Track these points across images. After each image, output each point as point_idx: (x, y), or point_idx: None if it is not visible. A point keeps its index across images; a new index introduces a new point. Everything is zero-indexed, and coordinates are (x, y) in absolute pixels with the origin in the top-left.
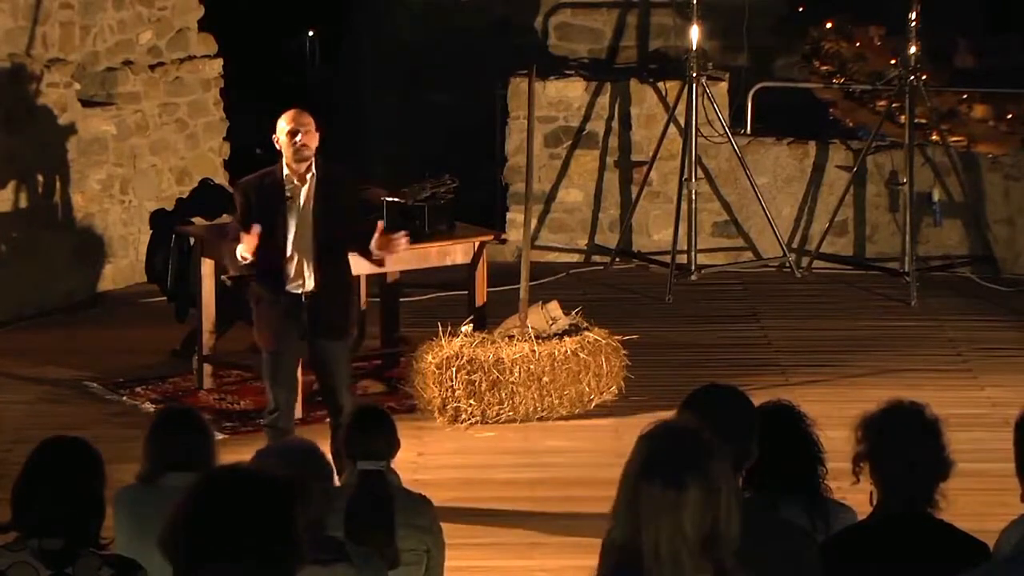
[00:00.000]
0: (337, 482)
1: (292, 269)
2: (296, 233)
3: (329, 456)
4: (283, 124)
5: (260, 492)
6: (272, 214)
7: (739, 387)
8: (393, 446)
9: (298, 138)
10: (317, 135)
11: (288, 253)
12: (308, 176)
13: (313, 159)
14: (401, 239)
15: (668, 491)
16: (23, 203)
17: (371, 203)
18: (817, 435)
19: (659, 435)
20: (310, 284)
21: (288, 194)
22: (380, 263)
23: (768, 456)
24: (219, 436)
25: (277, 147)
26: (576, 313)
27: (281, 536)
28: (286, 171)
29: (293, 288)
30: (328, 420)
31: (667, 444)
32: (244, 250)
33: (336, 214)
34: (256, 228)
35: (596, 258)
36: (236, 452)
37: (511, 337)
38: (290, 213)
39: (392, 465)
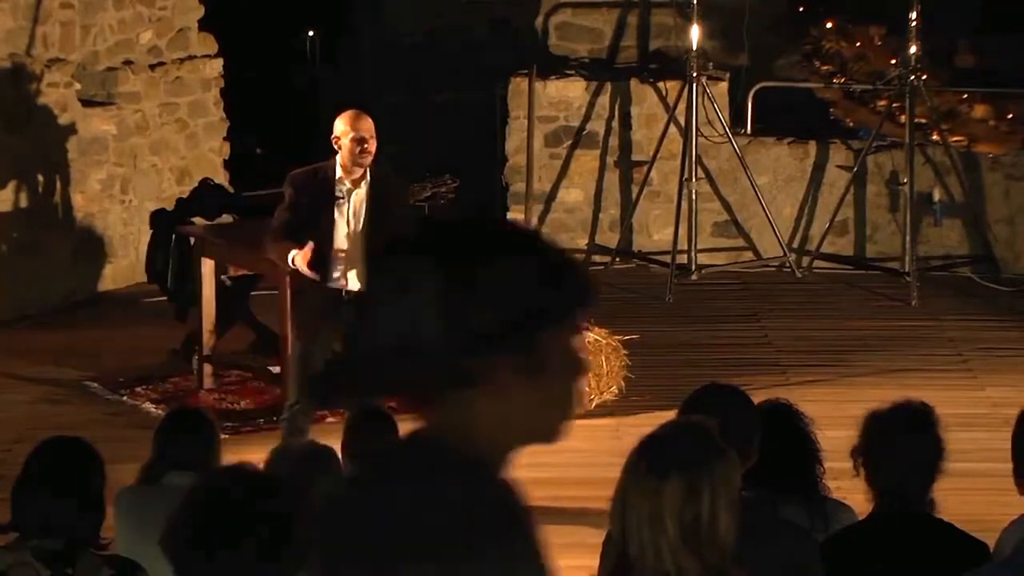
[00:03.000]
0: None
1: (337, 268)
2: (345, 234)
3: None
4: (346, 127)
5: (260, 492)
6: (320, 211)
7: (740, 387)
8: None
9: (366, 146)
10: (376, 139)
11: (333, 251)
12: (362, 182)
13: None
14: None
15: (649, 478)
16: (23, 203)
17: None
18: (815, 434)
19: (663, 428)
20: (353, 284)
21: (340, 195)
22: None
23: (767, 455)
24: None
25: (336, 146)
26: None
27: (281, 537)
28: (339, 172)
29: (335, 284)
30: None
31: (663, 436)
32: (299, 262)
33: (387, 218)
34: (311, 244)
35: (596, 258)
36: (236, 452)
37: None
38: (339, 214)
39: None
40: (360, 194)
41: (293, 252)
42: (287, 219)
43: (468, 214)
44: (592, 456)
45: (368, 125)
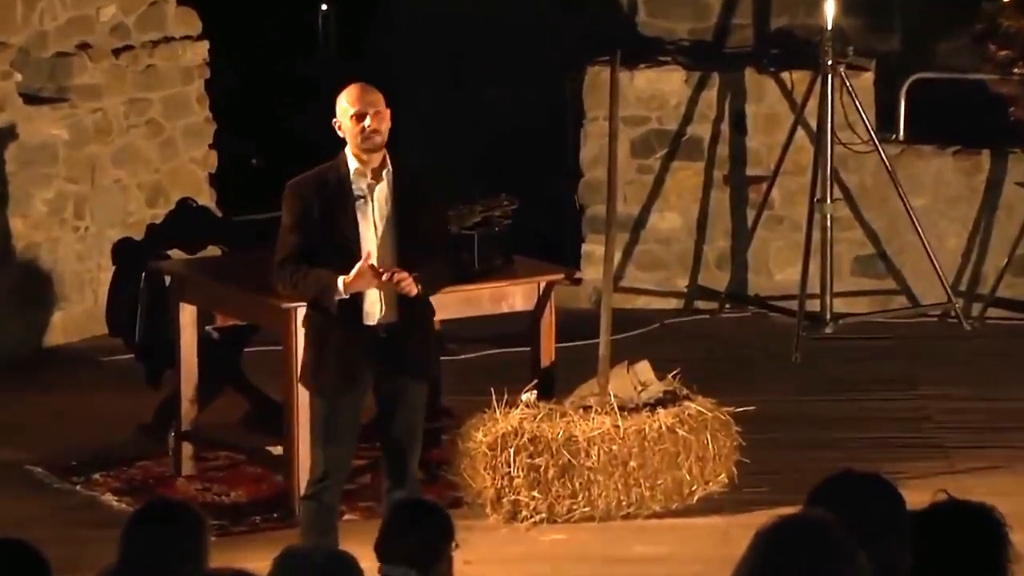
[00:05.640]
0: None
1: (368, 292)
2: (374, 242)
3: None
4: (346, 104)
5: None
6: (340, 221)
7: (885, 475)
8: (433, 555)
9: (367, 122)
10: (388, 115)
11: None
12: (384, 172)
13: (385, 151)
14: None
15: None
16: None
17: None
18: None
19: (778, 530)
20: (388, 313)
21: (359, 194)
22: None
23: (934, 566)
24: None
25: (340, 134)
26: (673, 377)
27: None
28: (353, 165)
29: (369, 319)
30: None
31: (787, 542)
32: (358, 278)
33: (420, 222)
34: (368, 254)
35: (700, 304)
36: (227, 559)
37: (587, 408)
38: (363, 216)
39: None
40: (384, 189)
41: (342, 278)
42: (299, 241)
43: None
44: (694, 566)
45: (372, 97)
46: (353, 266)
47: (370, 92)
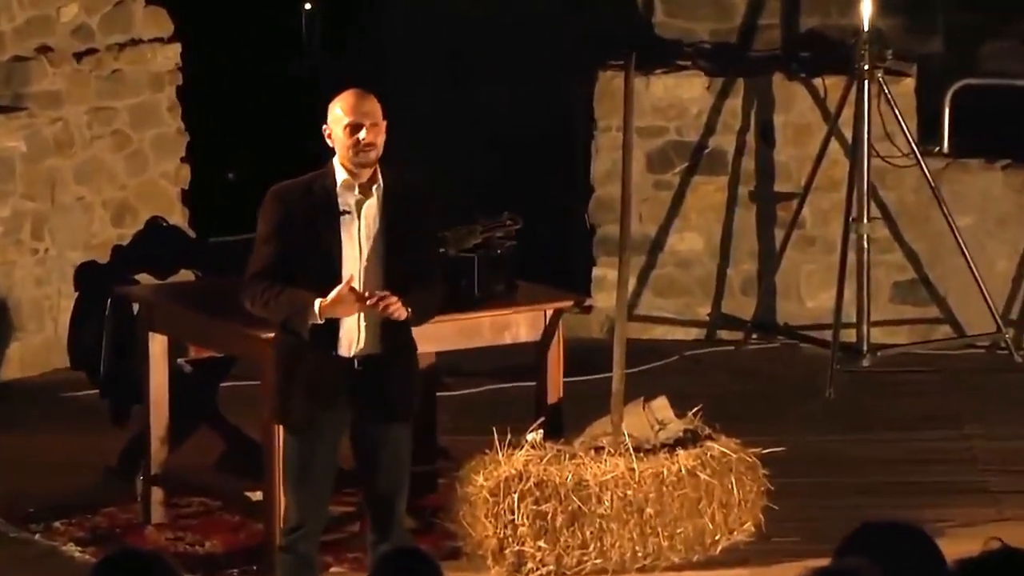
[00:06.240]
0: None
1: (346, 319)
2: (357, 263)
3: None
4: (339, 112)
5: None
6: (322, 237)
7: (926, 523)
8: None
9: (362, 135)
10: (384, 127)
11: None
12: (374, 187)
13: (377, 163)
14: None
15: None
16: None
17: None
18: None
19: None
20: (368, 343)
21: (345, 209)
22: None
23: None
24: None
25: (329, 142)
26: (694, 414)
27: None
28: (341, 176)
29: (344, 349)
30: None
31: None
32: (337, 303)
33: (410, 243)
34: (350, 277)
35: (723, 334)
36: None
37: (599, 449)
38: (347, 234)
39: None
40: (373, 205)
41: (318, 301)
42: (274, 253)
43: None
44: None
45: (368, 107)
46: (332, 288)
47: (367, 101)
